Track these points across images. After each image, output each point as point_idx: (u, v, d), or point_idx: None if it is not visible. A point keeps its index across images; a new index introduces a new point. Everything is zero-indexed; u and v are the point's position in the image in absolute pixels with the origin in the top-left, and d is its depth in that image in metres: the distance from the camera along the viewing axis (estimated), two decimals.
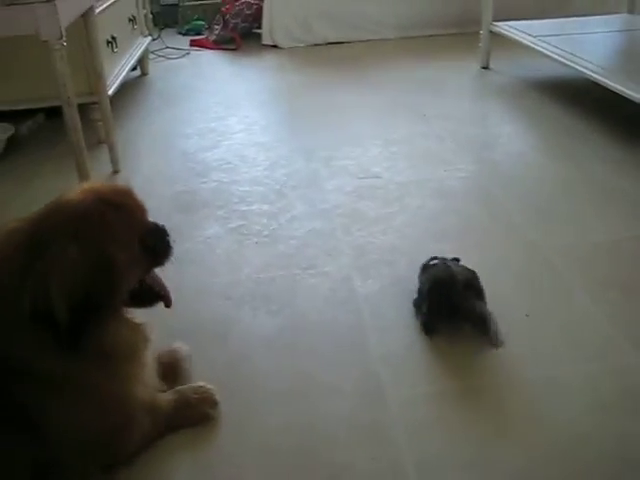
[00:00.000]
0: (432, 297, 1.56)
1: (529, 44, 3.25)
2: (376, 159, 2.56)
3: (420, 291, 1.63)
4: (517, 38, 3.38)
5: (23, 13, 1.91)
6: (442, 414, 1.35)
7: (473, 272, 1.58)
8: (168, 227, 1.26)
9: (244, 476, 1.23)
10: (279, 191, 2.33)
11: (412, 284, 1.67)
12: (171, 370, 1.41)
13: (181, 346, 1.47)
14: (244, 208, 2.22)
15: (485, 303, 1.54)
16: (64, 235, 1.07)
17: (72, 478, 1.16)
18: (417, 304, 1.63)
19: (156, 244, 1.21)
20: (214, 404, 1.35)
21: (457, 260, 1.65)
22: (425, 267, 1.66)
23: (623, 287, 1.70)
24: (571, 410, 1.33)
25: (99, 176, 2.41)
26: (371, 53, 4.15)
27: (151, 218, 1.24)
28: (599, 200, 2.15)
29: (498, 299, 1.59)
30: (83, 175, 2.09)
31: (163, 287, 1.28)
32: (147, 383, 1.25)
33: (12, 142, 2.89)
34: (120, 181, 2.53)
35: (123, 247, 1.12)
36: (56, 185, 2.52)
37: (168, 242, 1.24)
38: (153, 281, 1.26)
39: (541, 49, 3.13)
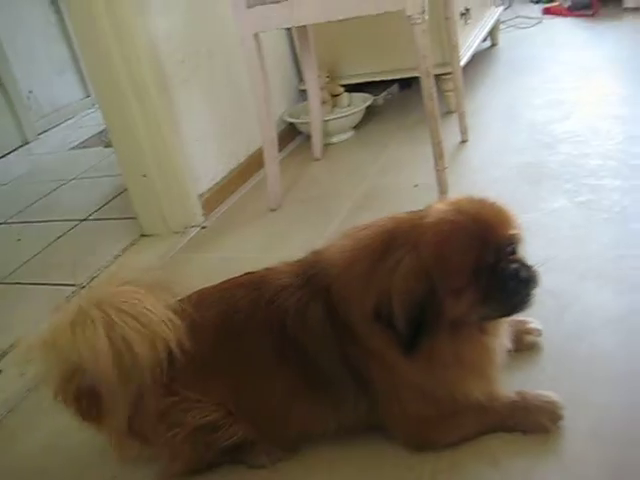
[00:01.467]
0: None
1: None
2: None
3: None
4: None
5: None
6: None
7: None
8: (534, 267, 1.17)
9: (577, 459, 1.19)
10: (635, 166, 2.17)
11: None
12: (517, 339, 1.41)
13: (533, 320, 1.47)
14: (594, 182, 2.12)
15: None
16: (407, 248, 1.14)
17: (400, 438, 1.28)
18: None
19: (491, 285, 1.13)
20: (556, 418, 1.25)
21: None
22: None
23: None
24: None
25: (449, 145, 2.49)
26: None
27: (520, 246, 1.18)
28: None
29: None
30: (436, 143, 2.18)
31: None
32: (481, 387, 1.23)
33: (370, 111, 3.13)
34: (470, 154, 2.60)
35: (452, 275, 1.12)
36: (405, 153, 2.69)
37: (512, 288, 1.15)
38: None
39: None
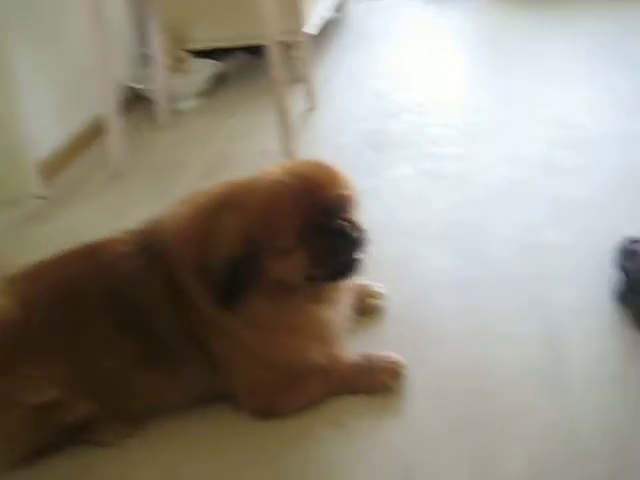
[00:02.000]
0: None
1: None
2: (579, 108, 2.42)
3: (630, 280, 1.43)
4: None
5: None
6: (620, 372, 1.29)
7: None
8: (361, 233, 1.17)
9: (419, 415, 1.25)
10: (473, 135, 2.28)
11: (605, 239, 1.58)
12: (361, 303, 1.45)
13: (376, 284, 1.50)
14: (435, 150, 2.20)
15: None
16: (234, 212, 1.15)
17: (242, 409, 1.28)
18: (625, 294, 1.44)
19: (319, 245, 1.15)
20: (397, 376, 1.29)
21: None
22: (628, 253, 1.47)
23: None
24: None
25: (296, 112, 2.49)
26: None
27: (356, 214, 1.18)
28: None
29: None
30: (282, 110, 2.17)
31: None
32: (320, 352, 1.26)
33: (219, 78, 3.07)
34: (316, 121, 2.61)
35: (278, 235, 1.14)
36: (253, 120, 2.66)
37: (337, 249, 1.16)
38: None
39: None
